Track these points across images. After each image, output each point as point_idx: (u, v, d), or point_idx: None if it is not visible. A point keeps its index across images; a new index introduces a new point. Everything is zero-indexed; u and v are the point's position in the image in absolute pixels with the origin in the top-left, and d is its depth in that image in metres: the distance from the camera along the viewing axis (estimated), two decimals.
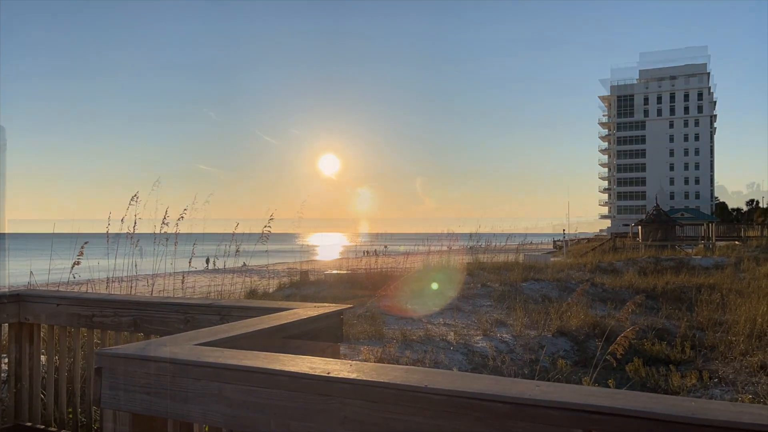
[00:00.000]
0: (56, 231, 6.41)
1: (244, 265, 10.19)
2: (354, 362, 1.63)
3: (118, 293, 5.27)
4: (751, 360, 7.08)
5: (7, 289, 3.96)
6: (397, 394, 1.40)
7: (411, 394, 1.38)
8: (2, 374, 3.48)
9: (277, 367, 1.57)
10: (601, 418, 1.19)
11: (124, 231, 5.90)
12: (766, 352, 7.29)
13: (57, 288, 5.46)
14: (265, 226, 6.23)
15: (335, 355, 2.67)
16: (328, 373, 1.50)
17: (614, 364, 7.39)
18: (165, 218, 6.11)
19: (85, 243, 5.21)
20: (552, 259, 26.84)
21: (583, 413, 1.22)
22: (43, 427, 3.30)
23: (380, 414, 1.41)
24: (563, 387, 1.40)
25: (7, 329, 3.38)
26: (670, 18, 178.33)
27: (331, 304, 2.87)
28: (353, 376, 1.47)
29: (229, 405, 1.59)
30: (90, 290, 6.18)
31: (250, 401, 1.56)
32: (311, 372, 1.51)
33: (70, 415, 3.31)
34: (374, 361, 6.53)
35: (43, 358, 3.47)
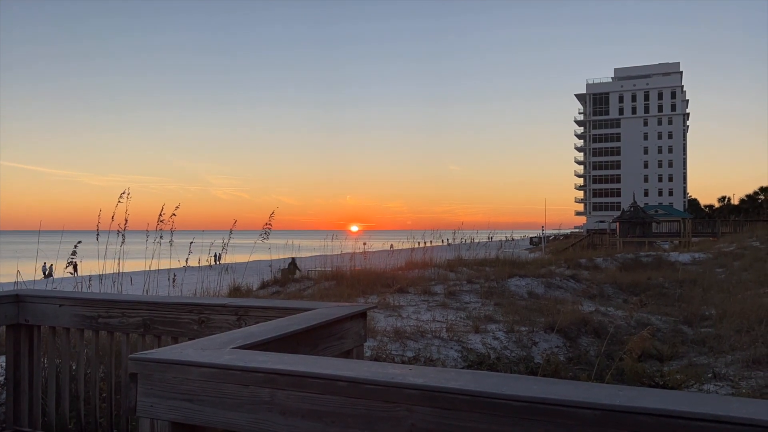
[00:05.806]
0: (42, 228, 6.18)
1: (211, 266, 9.87)
2: (413, 366, 1.55)
3: (122, 293, 5.08)
4: (743, 354, 7.15)
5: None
6: (471, 401, 1.31)
7: (487, 401, 1.30)
8: (1, 378, 3.32)
9: (334, 371, 1.47)
10: (706, 425, 1.12)
11: (114, 228, 5.71)
12: (755, 347, 7.37)
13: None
14: (266, 224, 6.09)
15: (360, 355, 2.58)
16: (392, 378, 1.41)
17: (606, 361, 7.44)
18: (161, 215, 5.94)
19: (78, 242, 4.98)
20: (530, 255, 27.00)
21: (681, 420, 1.16)
22: None
23: (452, 422, 1.33)
24: (645, 391, 1.33)
25: (4, 331, 3.22)
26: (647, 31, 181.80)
27: (353, 303, 2.77)
28: (420, 381, 1.38)
29: (282, 413, 1.49)
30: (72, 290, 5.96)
31: (306, 409, 1.46)
32: (374, 377, 1.42)
33: (73, 420, 3.16)
34: (370, 358, 6.44)
35: (44, 360, 3.31)
